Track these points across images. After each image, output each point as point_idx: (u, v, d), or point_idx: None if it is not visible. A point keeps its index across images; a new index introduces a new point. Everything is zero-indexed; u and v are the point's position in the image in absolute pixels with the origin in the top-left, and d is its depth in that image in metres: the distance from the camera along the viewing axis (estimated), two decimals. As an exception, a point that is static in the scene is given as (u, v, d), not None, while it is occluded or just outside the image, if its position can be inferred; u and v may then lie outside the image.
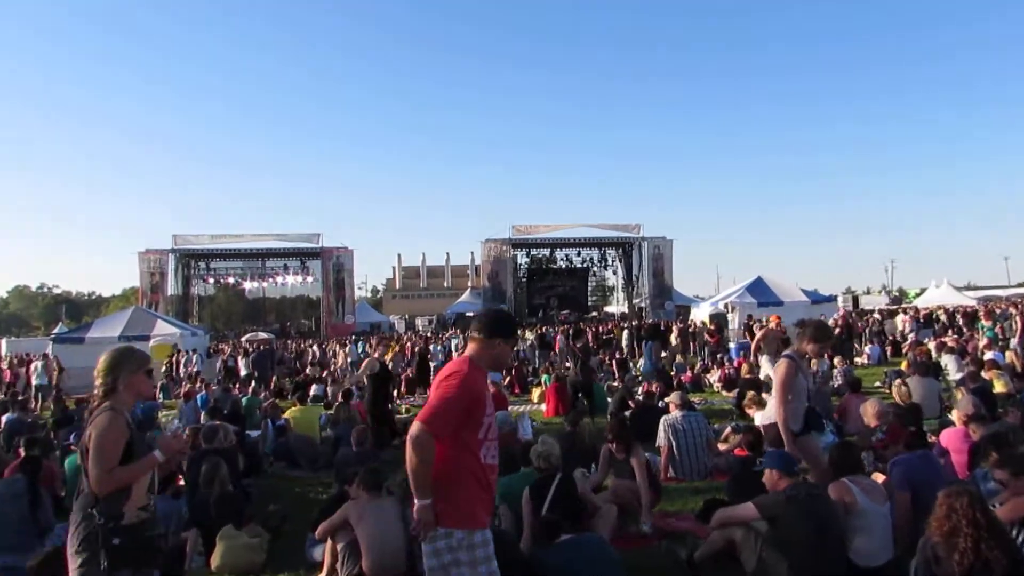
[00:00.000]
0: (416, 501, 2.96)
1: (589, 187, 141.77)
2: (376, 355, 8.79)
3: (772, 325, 11.49)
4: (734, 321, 26.37)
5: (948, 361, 13.61)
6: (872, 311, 34.01)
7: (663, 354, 19.57)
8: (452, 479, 2.98)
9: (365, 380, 8.71)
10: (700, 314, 30.51)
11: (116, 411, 3.30)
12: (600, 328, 29.60)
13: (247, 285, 52.94)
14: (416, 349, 20.58)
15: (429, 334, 34.02)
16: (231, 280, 51.54)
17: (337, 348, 27.16)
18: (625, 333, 24.67)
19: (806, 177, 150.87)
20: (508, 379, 17.72)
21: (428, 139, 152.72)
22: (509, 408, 12.64)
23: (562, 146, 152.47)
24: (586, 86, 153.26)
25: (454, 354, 19.96)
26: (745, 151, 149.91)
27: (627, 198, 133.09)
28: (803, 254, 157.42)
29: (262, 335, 44.25)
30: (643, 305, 48.74)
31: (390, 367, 18.97)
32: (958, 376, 11.89)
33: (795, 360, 5.32)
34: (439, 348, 20.90)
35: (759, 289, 28.26)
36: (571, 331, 27.58)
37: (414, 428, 2.96)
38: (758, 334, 10.45)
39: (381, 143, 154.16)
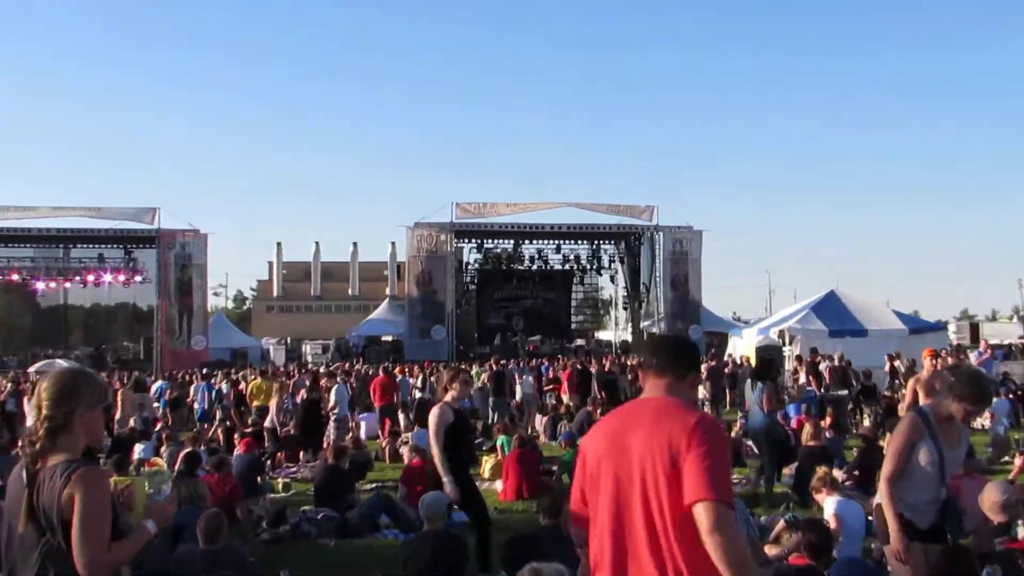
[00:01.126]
0: None
1: (577, 156, 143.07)
2: (450, 397, 8.55)
3: (928, 367, 11.35)
4: (793, 357, 26.67)
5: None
6: (1000, 345, 34.65)
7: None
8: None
9: (433, 440, 8.35)
10: (742, 346, 30.84)
11: (98, 465, 3.66)
12: (598, 364, 29.57)
13: (39, 286, 52.01)
14: (304, 391, 20.39)
15: (322, 368, 33.71)
16: (15, 277, 50.63)
17: (120, 388, 26.28)
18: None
19: (905, 157, 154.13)
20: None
21: (324, 78, 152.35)
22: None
23: (536, 96, 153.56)
24: (574, 10, 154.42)
25: (331, 396, 19.80)
26: (815, 114, 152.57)
27: (634, 171, 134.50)
28: (897, 261, 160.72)
29: (62, 363, 43.45)
30: (655, 330, 49.11)
31: (275, 418, 18.96)
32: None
33: (926, 419, 5.39)
34: (343, 389, 20.69)
35: (831, 310, 28.62)
36: (579, 363, 27.57)
37: (714, 510, 3.12)
38: (911, 382, 10.24)
39: (250, 84, 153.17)
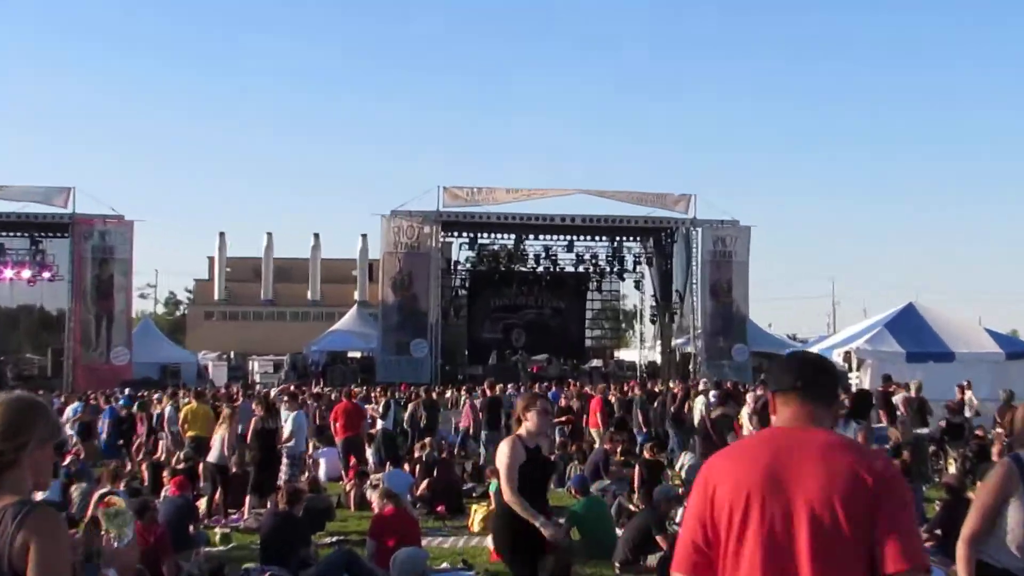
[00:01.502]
0: None
1: (595, 134, 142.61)
2: (525, 431, 8.33)
3: None
4: (863, 384, 26.59)
5: None
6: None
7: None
8: None
9: (505, 482, 8.14)
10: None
11: (54, 511, 3.65)
12: (620, 391, 29.46)
13: (-79, 282, 52.01)
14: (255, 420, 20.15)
15: (275, 391, 33.65)
16: None
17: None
18: (700, 401, 24.44)
19: (995, 146, 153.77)
20: (424, 486, 17.63)
21: (279, 41, 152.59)
22: (424, 543, 12.57)
23: (544, 63, 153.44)
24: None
25: (286, 425, 19.50)
26: (889, 92, 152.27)
27: (667, 153, 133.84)
28: (991, 271, 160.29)
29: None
30: (692, 349, 49.05)
31: (224, 453, 18.77)
32: None
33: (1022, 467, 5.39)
34: (302, 417, 20.29)
35: (910, 327, 28.57)
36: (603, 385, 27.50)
37: None
38: (1021, 410, 10.18)
39: (184, 46, 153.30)
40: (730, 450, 3.87)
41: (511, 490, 7.80)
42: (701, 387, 25.13)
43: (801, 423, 3.61)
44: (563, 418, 25.28)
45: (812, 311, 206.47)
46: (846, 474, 3.35)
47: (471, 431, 25.30)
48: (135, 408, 27.94)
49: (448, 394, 31.60)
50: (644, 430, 24.05)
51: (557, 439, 23.87)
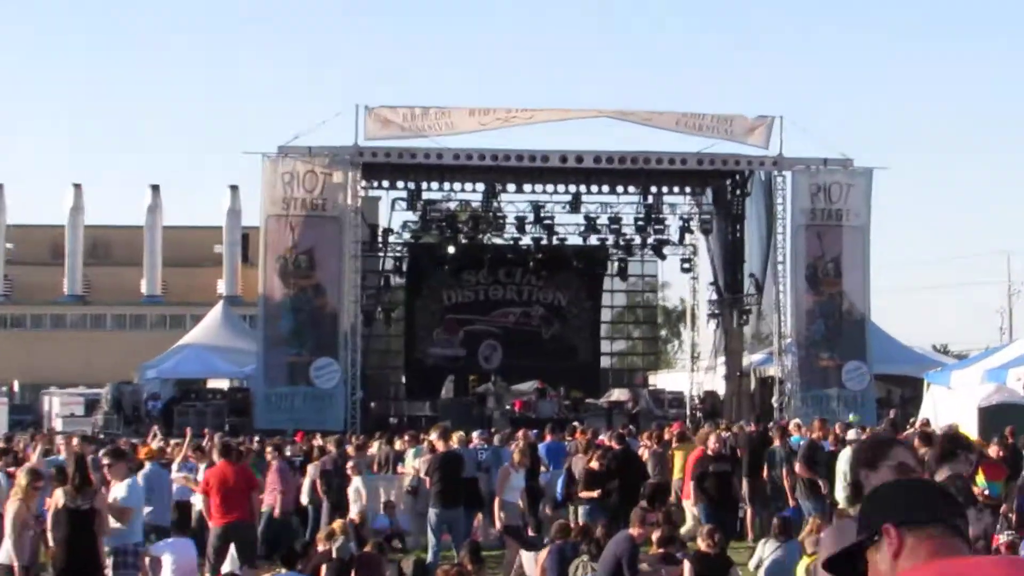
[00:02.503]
0: None
1: (620, 30, 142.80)
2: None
3: None
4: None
5: None
6: None
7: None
8: None
9: None
10: (953, 403, 31.03)
11: None
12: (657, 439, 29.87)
13: None
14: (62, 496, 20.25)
15: (77, 439, 33.95)
16: None
17: None
18: (846, 457, 24.77)
19: None
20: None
21: None
22: None
23: None
24: None
25: (116, 500, 19.70)
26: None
27: (737, 57, 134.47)
28: None
29: None
30: (776, 371, 49.22)
31: (11, 549, 18.90)
32: None
33: None
34: (135, 487, 20.45)
35: None
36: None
37: None
38: None
39: None
40: None
41: None
42: (851, 435, 25.19)
43: (946, 555, 3.88)
44: (594, 492, 24.71)
45: (975, 307, 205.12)
46: None
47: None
48: None
49: (373, 448, 31.75)
50: (793, 504, 24.21)
51: (550, 517, 24.13)
